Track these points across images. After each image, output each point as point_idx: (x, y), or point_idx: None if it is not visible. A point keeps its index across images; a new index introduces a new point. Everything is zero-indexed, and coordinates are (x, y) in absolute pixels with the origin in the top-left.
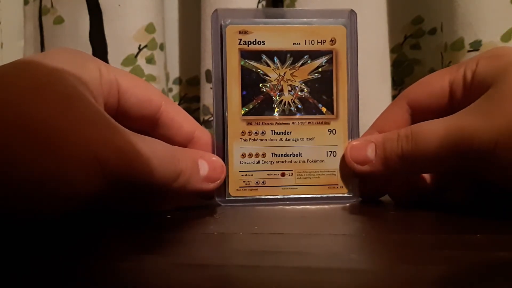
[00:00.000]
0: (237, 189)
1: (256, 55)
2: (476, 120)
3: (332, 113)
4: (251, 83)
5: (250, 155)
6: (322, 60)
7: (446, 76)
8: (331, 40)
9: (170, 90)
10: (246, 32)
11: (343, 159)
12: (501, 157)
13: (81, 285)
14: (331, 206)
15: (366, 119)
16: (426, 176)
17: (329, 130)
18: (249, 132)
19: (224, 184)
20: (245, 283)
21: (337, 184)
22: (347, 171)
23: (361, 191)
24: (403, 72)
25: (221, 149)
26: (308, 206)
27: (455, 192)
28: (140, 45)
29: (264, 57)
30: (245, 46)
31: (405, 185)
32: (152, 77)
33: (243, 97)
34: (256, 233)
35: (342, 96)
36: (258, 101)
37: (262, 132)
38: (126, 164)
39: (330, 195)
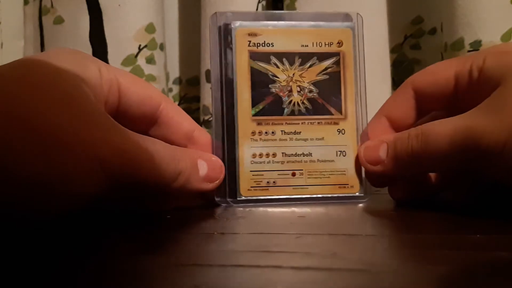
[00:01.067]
0: (248, 189)
1: (265, 57)
2: (485, 120)
3: (341, 113)
4: (261, 84)
5: (261, 155)
6: (330, 61)
7: (453, 68)
8: (338, 43)
9: (170, 90)
10: (255, 35)
11: (353, 158)
12: (509, 157)
13: (82, 285)
14: (332, 206)
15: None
16: (429, 175)
17: (338, 130)
18: (259, 132)
19: (235, 184)
20: (245, 283)
21: (348, 184)
22: (357, 170)
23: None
24: (403, 72)
25: (220, 149)
26: (310, 206)
27: (457, 191)
28: (140, 45)
29: (273, 58)
30: (255, 48)
31: (407, 184)
32: (152, 77)
33: (253, 97)
34: (256, 233)
35: (350, 97)
36: (267, 101)
37: (272, 132)
38: (126, 164)
39: (341, 195)
